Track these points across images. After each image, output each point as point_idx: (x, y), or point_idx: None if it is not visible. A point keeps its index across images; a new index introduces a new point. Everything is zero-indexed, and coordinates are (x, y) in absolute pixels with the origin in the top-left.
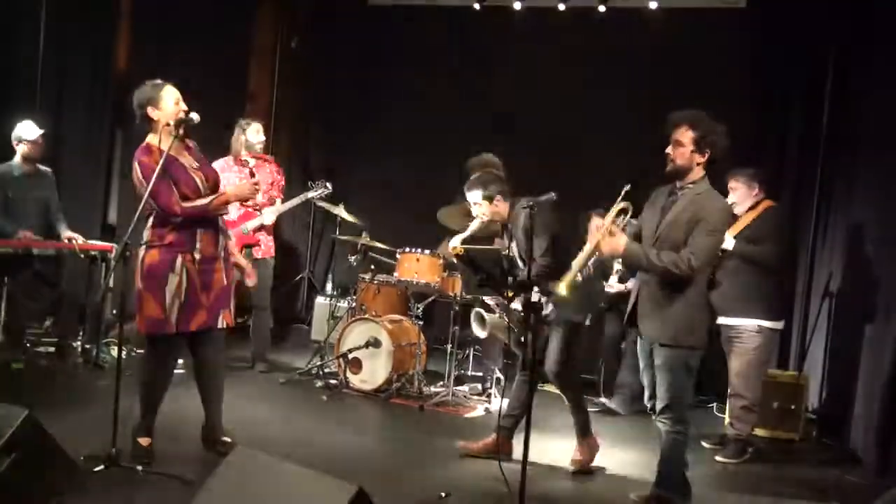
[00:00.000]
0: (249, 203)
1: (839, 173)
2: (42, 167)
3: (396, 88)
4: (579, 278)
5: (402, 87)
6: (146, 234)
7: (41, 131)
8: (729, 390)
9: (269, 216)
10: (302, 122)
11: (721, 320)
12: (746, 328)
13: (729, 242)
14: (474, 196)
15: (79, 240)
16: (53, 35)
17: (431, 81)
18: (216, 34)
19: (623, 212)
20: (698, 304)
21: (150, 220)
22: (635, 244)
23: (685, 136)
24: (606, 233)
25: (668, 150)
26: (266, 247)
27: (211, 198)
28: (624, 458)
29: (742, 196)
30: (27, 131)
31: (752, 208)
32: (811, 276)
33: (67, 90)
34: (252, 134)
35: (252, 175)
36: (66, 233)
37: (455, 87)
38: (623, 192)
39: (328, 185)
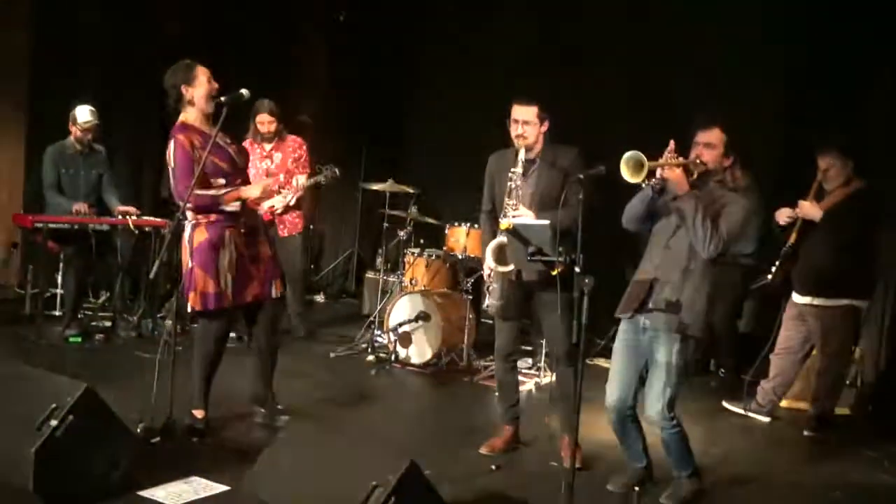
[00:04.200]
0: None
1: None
2: (95, 145)
3: (444, 59)
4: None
5: (450, 60)
6: (192, 213)
7: (93, 120)
8: (819, 368)
9: (277, 202)
10: (353, 97)
11: (806, 299)
12: (837, 309)
13: (816, 214)
14: (527, 112)
15: (133, 215)
16: (109, 9)
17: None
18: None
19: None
20: (709, 292)
21: None
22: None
23: (718, 137)
24: (679, 164)
25: (699, 150)
26: (291, 224)
27: (225, 191)
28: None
29: (838, 172)
30: (81, 115)
31: (843, 185)
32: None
33: (121, 68)
34: (258, 123)
35: (270, 156)
36: (119, 207)
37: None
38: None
39: (336, 169)
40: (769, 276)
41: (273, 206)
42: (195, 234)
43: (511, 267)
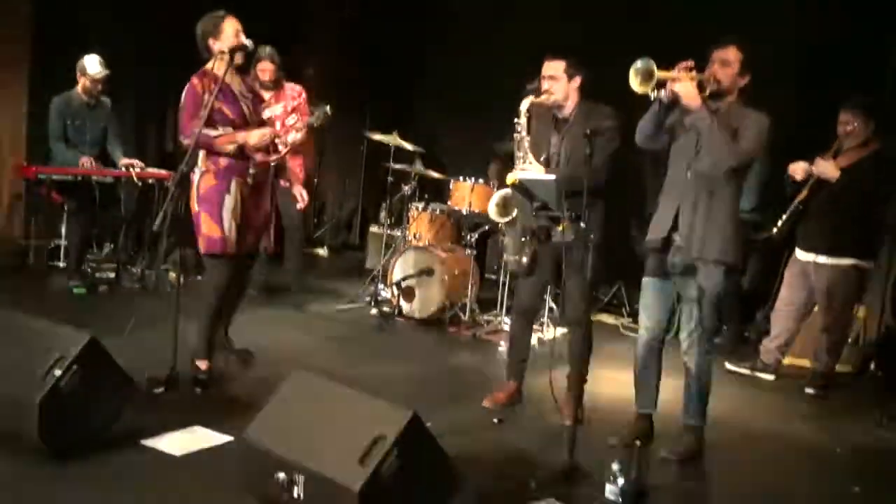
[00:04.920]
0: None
1: None
2: (101, 97)
3: (453, 13)
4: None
5: (459, 13)
6: (201, 160)
7: (103, 70)
8: (821, 326)
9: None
10: (359, 50)
11: (811, 257)
12: (841, 268)
13: (833, 173)
14: (554, 67)
15: (136, 167)
16: None
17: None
18: None
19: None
20: (738, 218)
21: None
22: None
23: (734, 55)
24: (692, 78)
25: (714, 68)
26: (292, 174)
27: (219, 132)
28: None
29: (859, 131)
30: (91, 66)
31: (861, 145)
32: None
33: (125, 19)
34: (259, 71)
35: (270, 104)
36: (123, 160)
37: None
38: None
39: (327, 109)
40: (774, 229)
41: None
42: (203, 180)
43: (509, 217)
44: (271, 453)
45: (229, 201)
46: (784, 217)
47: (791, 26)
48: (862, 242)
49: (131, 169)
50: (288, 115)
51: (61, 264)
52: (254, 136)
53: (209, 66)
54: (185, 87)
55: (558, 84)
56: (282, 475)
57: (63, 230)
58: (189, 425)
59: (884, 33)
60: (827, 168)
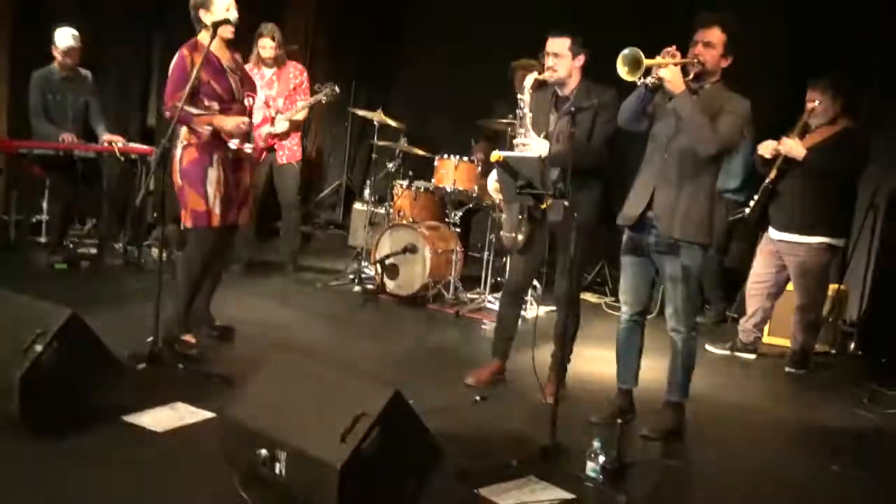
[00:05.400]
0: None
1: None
2: (82, 70)
3: None
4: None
5: None
6: (184, 135)
7: (73, 43)
8: (796, 305)
9: (279, 125)
10: (343, 26)
11: (783, 236)
12: (813, 246)
13: (799, 152)
14: (559, 44)
15: (119, 143)
16: None
17: None
18: None
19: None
20: (714, 198)
21: None
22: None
23: (718, 37)
24: (676, 63)
25: (697, 49)
26: (290, 151)
27: (200, 112)
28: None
29: (826, 108)
30: (59, 39)
31: (830, 123)
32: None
33: None
34: (260, 48)
35: (271, 82)
36: (105, 136)
37: None
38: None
39: (336, 88)
40: (746, 210)
41: (271, 132)
42: (185, 154)
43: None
44: (253, 430)
45: (212, 174)
46: (755, 198)
47: (783, 12)
48: (833, 221)
49: (114, 144)
50: (291, 94)
51: (43, 240)
52: (230, 122)
53: (201, 38)
54: (175, 57)
55: (562, 62)
56: (263, 452)
57: (45, 205)
58: (171, 401)
59: (873, 19)
60: (792, 147)
